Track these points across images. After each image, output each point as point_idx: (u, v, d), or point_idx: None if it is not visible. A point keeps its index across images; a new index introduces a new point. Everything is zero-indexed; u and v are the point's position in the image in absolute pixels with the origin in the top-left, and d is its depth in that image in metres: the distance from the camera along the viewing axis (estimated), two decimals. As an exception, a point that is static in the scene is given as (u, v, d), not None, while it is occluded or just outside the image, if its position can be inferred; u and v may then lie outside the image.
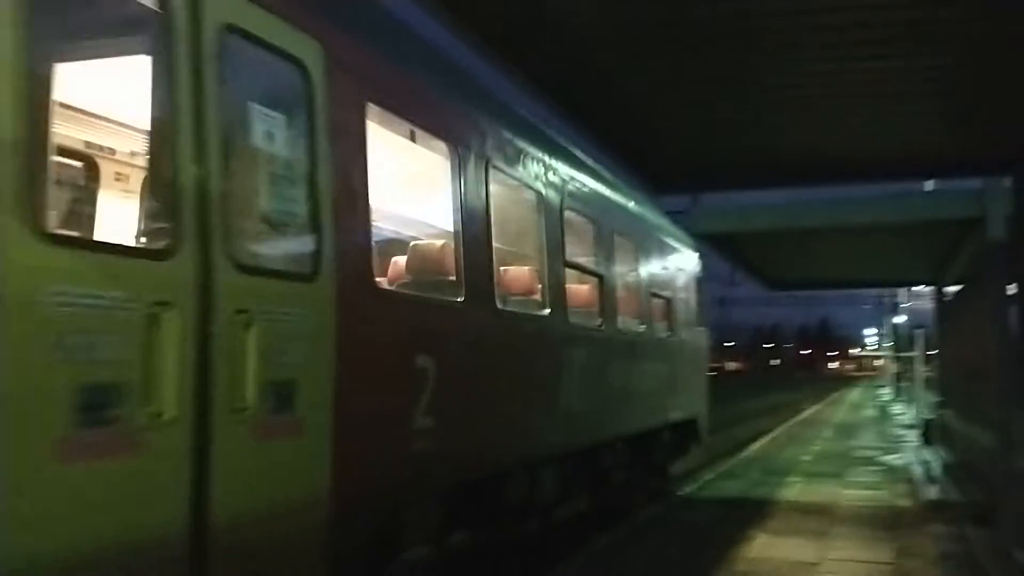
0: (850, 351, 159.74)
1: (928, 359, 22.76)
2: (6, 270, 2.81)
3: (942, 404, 16.69)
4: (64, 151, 5.37)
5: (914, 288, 31.44)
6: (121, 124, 5.63)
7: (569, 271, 7.94)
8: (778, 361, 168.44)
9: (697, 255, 14.14)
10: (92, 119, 5.55)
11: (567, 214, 7.83)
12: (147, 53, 3.75)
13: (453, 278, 5.96)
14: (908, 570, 7.59)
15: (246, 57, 4.00)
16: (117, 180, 5.98)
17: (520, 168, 7.02)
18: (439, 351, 5.44)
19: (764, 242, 14.97)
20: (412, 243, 6.63)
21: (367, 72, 5.01)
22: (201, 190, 3.61)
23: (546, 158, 7.54)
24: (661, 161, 9.04)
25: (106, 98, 5.32)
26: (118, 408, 3.15)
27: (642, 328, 10.32)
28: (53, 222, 3.58)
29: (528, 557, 7.98)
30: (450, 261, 6.04)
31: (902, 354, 44.30)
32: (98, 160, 5.87)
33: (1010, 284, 8.32)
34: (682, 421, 12.24)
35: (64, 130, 5.26)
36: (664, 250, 11.77)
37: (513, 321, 6.85)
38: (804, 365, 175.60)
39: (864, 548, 8.48)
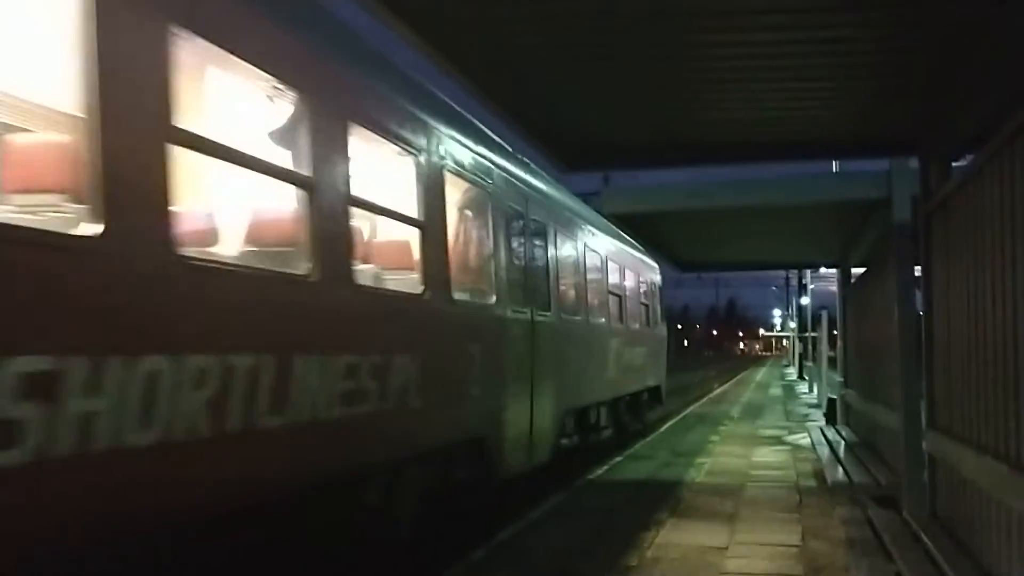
0: (760, 331, 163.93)
1: (832, 340, 23.20)
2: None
3: (845, 384, 16.96)
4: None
5: (820, 270, 32.13)
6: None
7: (596, 292, 13.58)
8: (686, 343, 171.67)
9: (658, 267, 20.08)
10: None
11: (596, 259, 13.82)
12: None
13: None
14: (815, 553, 7.54)
15: None
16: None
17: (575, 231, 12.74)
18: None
19: (673, 223, 14.93)
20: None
21: None
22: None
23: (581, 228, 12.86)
24: (570, 139, 8.78)
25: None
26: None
27: (636, 326, 16.67)
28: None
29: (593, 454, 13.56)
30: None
31: (807, 335, 45.43)
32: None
33: (915, 266, 8.31)
34: (654, 386, 18.73)
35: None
36: (641, 270, 17.88)
37: (571, 326, 11.70)
38: (714, 346, 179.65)
39: (771, 531, 8.43)
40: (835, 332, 19.88)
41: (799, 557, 7.42)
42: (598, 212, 14.45)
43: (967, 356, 6.29)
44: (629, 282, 16.19)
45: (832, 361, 22.48)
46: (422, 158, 7.16)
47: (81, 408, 3.71)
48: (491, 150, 9.08)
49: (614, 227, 15.32)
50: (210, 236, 5.47)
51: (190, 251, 4.55)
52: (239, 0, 5.02)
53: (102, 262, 3.88)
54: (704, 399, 30.72)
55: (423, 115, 7.29)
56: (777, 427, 19.56)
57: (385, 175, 7.12)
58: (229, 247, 5.58)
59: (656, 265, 19.70)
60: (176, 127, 4.38)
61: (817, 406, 24.32)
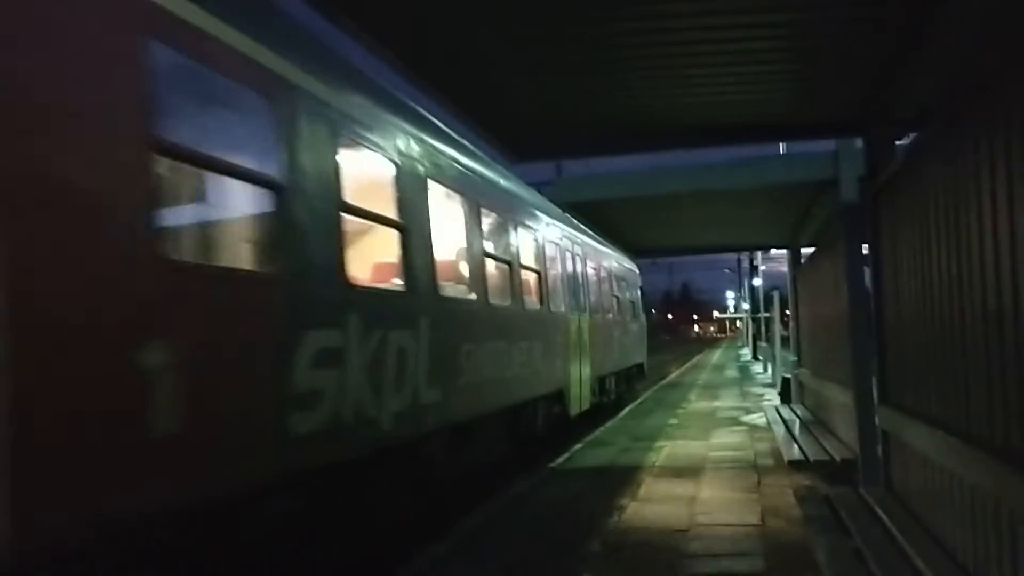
0: (715, 314, 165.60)
1: (784, 320, 23.50)
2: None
3: (798, 363, 17.19)
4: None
5: (771, 251, 32.49)
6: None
7: (611, 296, 20.08)
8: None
9: (638, 272, 26.40)
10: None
11: (606, 273, 19.70)
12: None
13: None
14: (775, 531, 7.64)
15: None
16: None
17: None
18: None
19: (626, 210, 14.99)
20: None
21: None
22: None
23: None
24: (518, 129, 8.75)
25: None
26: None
27: (628, 318, 22.69)
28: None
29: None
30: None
31: (760, 315, 45.98)
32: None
33: (863, 244, 8.42)
34: (639, 364, 24.86)
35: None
36: (629, 277, 23.81)
37: (597, 322, 17.31)
38: (669, 329, 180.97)
39: (731, 512, 8.52)
40: (787, 312, 20.14)
41: (760, 536, 7.51)
42: (553, 203, 14.56)
43: (916, 332, 6.40)
44: (623, 286, 22.38)
45: (785, 341, 22.78)
46: (538, 231, 13.51)
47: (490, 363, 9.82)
48: (558, 218, 15.38)
49: (612, 247, 20.80)
50: (466, 287, 9.76)
51: (489, 298, 10.18)
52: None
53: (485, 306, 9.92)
54: (662, 382, 30.95)
55: (530, 204, 13.32)
56: (734, 408, 19.78)
57: (518, 241, 12.04)
58: (473, 291, 9.72)
59: (637, 270, 26.17)
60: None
61: (772, 386, 24.65)
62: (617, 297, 20.95)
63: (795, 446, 11.63)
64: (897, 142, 8.04)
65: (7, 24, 3.78)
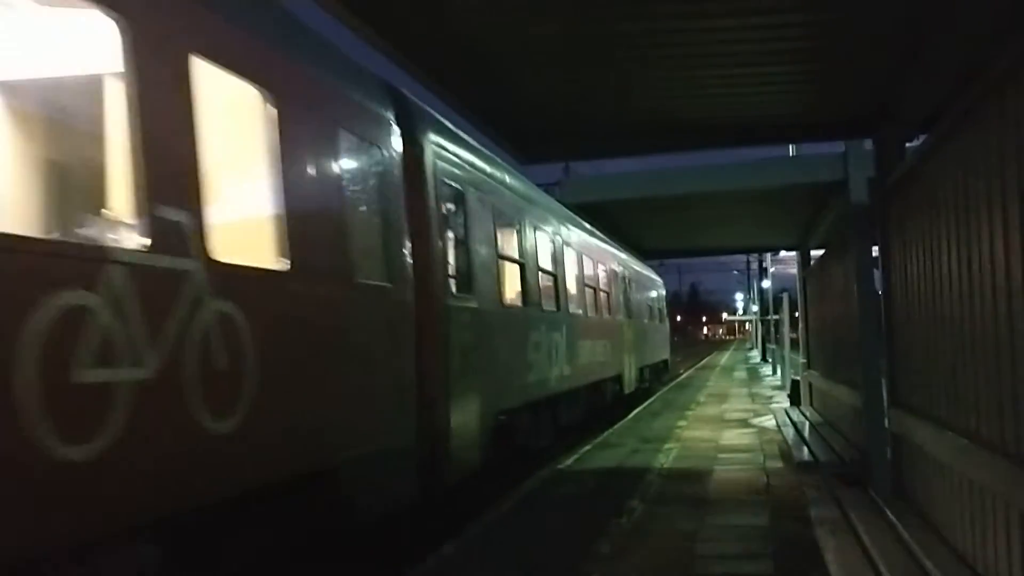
0: (723, 316, 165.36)
1: (794, 322, 23.46)
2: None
3: (808, 365, 17.16)
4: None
5: (780, 253, 32.42)
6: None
7: (646, 305, 25.88)
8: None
9: (662, 282, 32.62)
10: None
11: (642, 287, 25.26)
12: None
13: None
14: (784, 533, 7.62)
15: None
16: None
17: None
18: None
19: (634, 211, 15.00)
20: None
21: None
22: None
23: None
24: (528, 130, 8.78)
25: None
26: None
27: (657, 322, 28.65)
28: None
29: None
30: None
31: (769, 317, 45.88)
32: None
33: (873, 246, 8.41)
34: (665, 360, 31.61)
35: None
36: (658, 287, 30.04)
37: (638, 325, 23.27)
38: (678, 330, 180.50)
39: (741, 514, 8.51)
40: (796, 314, 20.10)
41: (769, 538, 7.50)
42: (561, 203, 14.61)
43: (926, 334, 6.39)
44: (652, 296, 28.06)
45: (794, 343, 22.74)
46: (607, 263, 19.08)
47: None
48: (614, 246, 20.38)
49: (644, 264, 26.27)
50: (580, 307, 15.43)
51: (588, 312, 16.16)
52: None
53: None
54: (670, 384, 30.93)
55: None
56: (743, 410, 19.75)
57: (597, 271, 17.75)
58: (581, 308, 15.53)
59: (661, 280, 32.59)
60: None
61: (781, 388, 24.60)
62: (650, 306, 27.07)
63: (804, 448, 11.62)
64: (907, 143, 8.03)
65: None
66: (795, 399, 18.60)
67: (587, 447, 13.92)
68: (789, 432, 13.86)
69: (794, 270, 21.06)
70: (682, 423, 17.22)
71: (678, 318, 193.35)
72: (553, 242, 13.40)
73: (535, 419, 11.82)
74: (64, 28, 5.15)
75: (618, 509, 8.83)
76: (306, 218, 5.78)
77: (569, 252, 14.59)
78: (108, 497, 4.04)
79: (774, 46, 6.60)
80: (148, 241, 4.29)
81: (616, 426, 16.88)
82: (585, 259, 15.94)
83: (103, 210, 5.07)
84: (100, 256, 4.08)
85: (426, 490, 7.70)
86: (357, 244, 6.55)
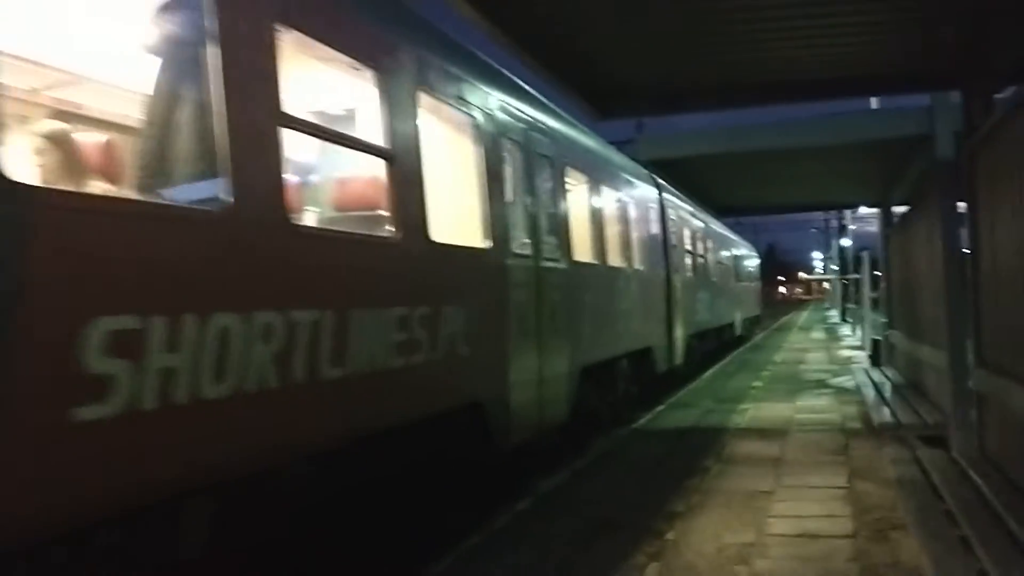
0: (800, 275, 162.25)
1: (874, 281, 22.93)
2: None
3: (889, 325, 16.78)
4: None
5: (859, 211, 31.64)
6: None
7: (747, 269, 33.42)
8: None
9: (756, 252, 40.37)
10: None
11: (740, 253, 31.45)
12: None
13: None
14: (862, 494, 7.53)
15: None
16: None
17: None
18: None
19: (711, 167, 14.79)
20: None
21: None
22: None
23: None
24: (603, 85, 8.69)
25: None
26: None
27: (752, 283, 36.24)
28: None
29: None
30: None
31: (849, 277, 44.91)
32: None
33: (960, 202, 8.15)
34: (757, 314, 38.08)
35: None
36: (753, 257, 37.90)
37: (747, 288, 33.32)
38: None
39: (817, 473, 8.42)
40: (877, 273, 19.62)
41: (847, 498, 7.42)
42: (634, 160, 14.46)
43: (1015, 293, 6.19)
44: (753, 264, 35.68)
45: (875, 302, 22.24)
46: (723, 243, 25.60)
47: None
48: (715, 222, 24.23)
49: (734, 232, 30.67)
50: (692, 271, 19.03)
51: (710, 276, 21.72)
52: None
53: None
54: (747, 344, 30.60)
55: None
56: (820, 371, 19.45)
57: (714, 245, 22.79)
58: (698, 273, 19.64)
59: (755, 251, 39.10)
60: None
61: (861, 348, 24.13)
62: (749, 271, 34.60)
63: (885, 409, 11.41)
64: (996, 95, 7.72)
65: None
66: (876, 359, 18.25)
67: (660, 407, 13.90)
68: (869, 393, 13.61)
69: (874, 228, 20.55)
70: (757, 384, 17.06)
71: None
72: (708, 234, 20.57)
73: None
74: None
75: (692, 468, 8.82)
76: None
77: (711, 241, 21.57)
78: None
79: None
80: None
81: (690, 385, 16.81)
82: (722, 247, 24.44)
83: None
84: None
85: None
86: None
